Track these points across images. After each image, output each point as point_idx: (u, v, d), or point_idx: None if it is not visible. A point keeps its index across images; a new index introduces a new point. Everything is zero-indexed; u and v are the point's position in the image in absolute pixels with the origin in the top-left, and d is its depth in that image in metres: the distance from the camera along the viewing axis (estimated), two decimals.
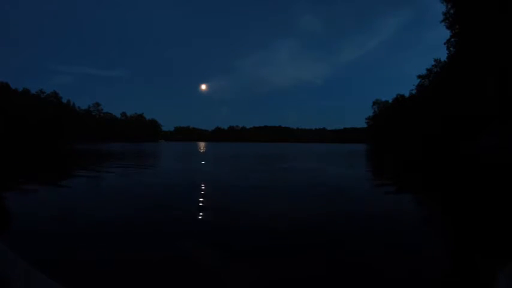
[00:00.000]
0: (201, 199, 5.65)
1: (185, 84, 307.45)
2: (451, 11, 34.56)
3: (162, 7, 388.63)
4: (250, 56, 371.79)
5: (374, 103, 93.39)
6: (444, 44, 39.02)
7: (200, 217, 4.35)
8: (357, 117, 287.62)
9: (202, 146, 56.20)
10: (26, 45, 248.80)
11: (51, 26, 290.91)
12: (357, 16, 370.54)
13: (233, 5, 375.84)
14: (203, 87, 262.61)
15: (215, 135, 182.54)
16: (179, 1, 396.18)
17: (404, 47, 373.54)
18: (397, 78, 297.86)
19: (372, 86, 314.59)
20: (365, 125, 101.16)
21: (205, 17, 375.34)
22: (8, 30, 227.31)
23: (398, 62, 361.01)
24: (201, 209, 4.85)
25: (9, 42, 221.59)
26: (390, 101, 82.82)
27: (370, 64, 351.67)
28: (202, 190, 6.78)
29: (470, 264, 2.71)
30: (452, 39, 36.84)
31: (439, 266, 2.68)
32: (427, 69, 51.80)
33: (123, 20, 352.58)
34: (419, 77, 54.84)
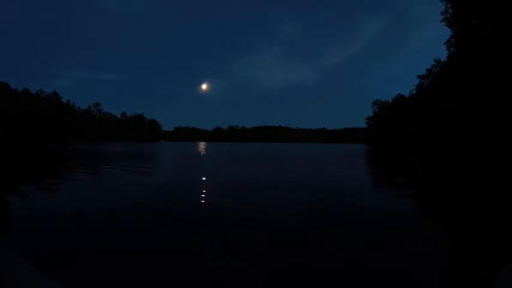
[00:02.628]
0: None
1: (184, 87, 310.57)
2: (450, 10, 34.52)
3: (161, 16, 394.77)
4: (246, 59, 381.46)
5: (374, 103, 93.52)
6: (444, 44, 39.01)
7: None
8: (354, 117, 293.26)
9: (203, 146, 56.06)
10: (27, 49, 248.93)
11: (51, 32, 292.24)
12: (338, 21, 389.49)
13: (229, 15, 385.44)
14: (203, 87, 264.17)
15: (215, 135, 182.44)
16: (176, 9, 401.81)
17: (388, 48, 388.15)
18: (385, 78, 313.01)
19: (360, 86, 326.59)
20: (365, 125, 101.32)
21: (201, 24, 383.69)
22: (9, 35, 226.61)
23: (382, 63, 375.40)
24: None
25: (11, 45, 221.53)
26: (390, 101, 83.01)
27: (355, 66, 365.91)
28: None
29: (470, 264, 2.71)
30: (452, 39, 36.78)
31: (439, 265, 2.68)
32: (427, 69, 51.70)
33: (123, 28, 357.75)
34: (419, 76, 54.75)
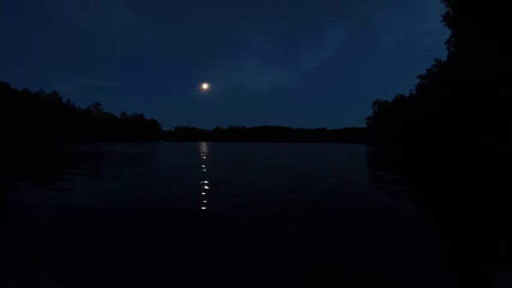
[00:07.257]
0: None
1: (184, 89, 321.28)
2: (450, 12, 34.56)
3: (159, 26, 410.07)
4: (240, 63, 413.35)
5: (374, 103, 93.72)
6: (444, 44, 39.11)
7: None
8: (355, 117, 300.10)
9: (204, 146, 55.90)
10: (27, 53, 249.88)
11: (52, 39, 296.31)
12: (308, 30, 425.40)
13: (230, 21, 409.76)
14: (203, 87, 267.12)
15: (215, 135, 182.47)
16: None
17: (357, 52, 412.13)
18: (364, 80, 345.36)
19: (343, 87, 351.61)
20: (365, 125, 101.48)
21: (195, 31, 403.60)
22: (10, 42, 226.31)
23: (355, 66, 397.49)
24: None
25: (11, 49, 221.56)
26: (390, 101, 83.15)
27: (329, 70, 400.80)
28: None
29: (470, 264, 2.71)
30: (452, 39, 36.83)
31: (438, 265, 2.68)
32: (427, 69, 51.78)
33: (121, 36, 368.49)
34: (419, 77, 54.83)
